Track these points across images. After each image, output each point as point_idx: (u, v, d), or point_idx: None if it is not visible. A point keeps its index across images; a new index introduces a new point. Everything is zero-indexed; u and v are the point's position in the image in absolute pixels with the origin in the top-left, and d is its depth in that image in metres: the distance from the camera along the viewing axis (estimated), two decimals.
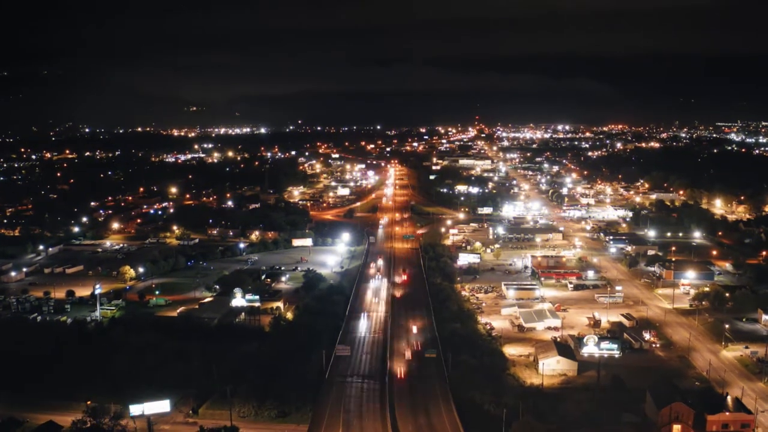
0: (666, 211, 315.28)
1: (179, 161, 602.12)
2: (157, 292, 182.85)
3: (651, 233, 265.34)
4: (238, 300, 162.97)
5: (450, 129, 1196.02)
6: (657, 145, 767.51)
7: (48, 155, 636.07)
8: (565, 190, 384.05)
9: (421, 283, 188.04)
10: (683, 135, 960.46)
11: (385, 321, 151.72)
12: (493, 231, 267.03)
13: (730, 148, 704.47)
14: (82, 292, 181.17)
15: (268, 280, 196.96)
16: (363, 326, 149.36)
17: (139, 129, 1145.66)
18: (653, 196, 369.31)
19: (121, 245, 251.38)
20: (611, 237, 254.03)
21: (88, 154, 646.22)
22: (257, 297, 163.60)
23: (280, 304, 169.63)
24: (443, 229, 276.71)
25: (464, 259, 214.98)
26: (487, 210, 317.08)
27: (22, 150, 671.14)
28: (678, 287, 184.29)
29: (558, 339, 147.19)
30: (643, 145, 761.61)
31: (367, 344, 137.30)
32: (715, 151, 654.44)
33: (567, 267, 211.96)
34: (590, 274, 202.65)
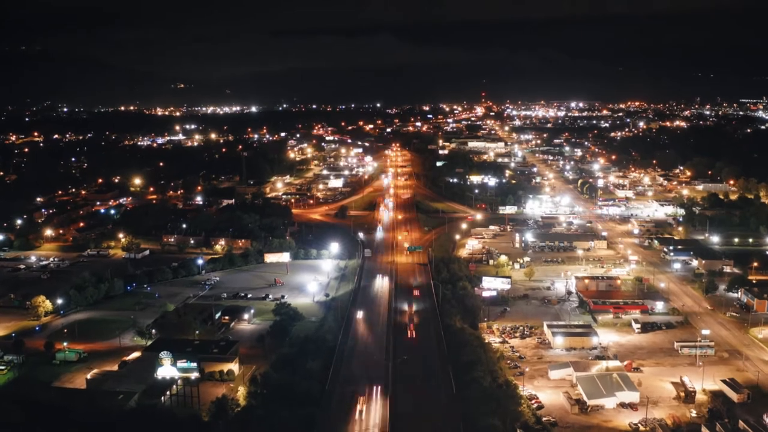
0: (724, 208, 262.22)
1: (155, 145, 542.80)
2: (65, 344, 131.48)
3: (714, 239, 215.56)
4: (167, 369, 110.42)
5: (455, 107, 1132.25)
6: (683, 124, 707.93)
7: (13, 138, 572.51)
8: (600, 182, 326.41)
9: (434, 327, 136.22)
10: (707, 112, 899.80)
11: (382, 412, 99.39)
12: (519, 238, 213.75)
13: (764, 127, 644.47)
14: None
15: (226, 318, 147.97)
16: (348, 422, 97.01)
17: (122, 108, 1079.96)
18: (700, 187, 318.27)
19: (51, 259, 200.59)
20: (671, 247, 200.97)
21: (56, 136, 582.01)
22: (194, 365, 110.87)
23: (233, 366, 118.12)
24: (457, 236, 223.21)
25: (490, 285, 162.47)
26: (509, 209, 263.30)
27: None
28: None
29: (640, 427, 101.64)
30: (668, 124, 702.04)
31: None
32: (749, 131, 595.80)
33: (625, 294, 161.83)
34: (659, 305, 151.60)
